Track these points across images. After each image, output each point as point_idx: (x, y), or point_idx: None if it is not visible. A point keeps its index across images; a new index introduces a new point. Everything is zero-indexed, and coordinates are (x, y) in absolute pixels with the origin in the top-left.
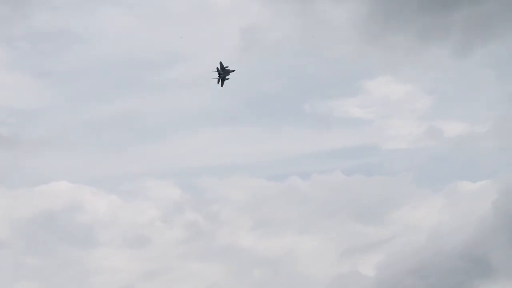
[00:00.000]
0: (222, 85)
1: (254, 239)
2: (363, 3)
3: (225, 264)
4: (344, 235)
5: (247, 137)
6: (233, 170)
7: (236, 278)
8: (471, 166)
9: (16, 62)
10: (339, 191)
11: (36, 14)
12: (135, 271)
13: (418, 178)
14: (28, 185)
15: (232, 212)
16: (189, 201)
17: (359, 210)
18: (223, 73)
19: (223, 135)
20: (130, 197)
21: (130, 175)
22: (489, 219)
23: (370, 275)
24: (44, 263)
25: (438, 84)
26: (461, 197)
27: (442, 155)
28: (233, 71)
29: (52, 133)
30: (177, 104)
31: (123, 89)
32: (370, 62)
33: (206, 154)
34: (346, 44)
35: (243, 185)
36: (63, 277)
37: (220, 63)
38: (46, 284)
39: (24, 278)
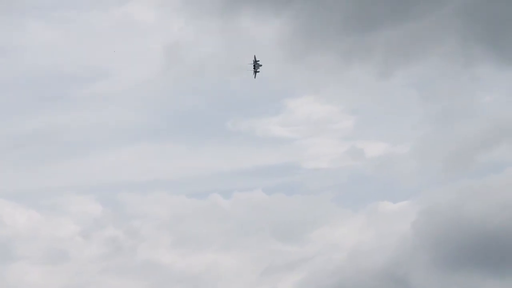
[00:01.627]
0: (255, 77)
1: (174, 256)
2: (287, 22)
3: (145, 280)
4: (265, 254)
5: (169, 153)
6: (154, 186)
7: None
8: (392, 186)
9: None
10: (260, 209)
11: None
12: (54, 286)
13: (339, 197)
14: None
15: (153, 228)
16: (110, 217)
17: (279, 228)
18: (256, 66)
19: (145, 151)
20: (50, 212)
21: (50, 190)
22: (409, 239)
23: None
24: None
25: (360, 104)
26: (381, 217)
27: (363, 175)
28: (261, 65)
29: None
30: (100, 119)
31: (45, 103)
32: (293, 81)
33: (127, 169)
34: (270, 63)
35: (164, 201)
36: None
37: (254, 56)
38: None
39: None
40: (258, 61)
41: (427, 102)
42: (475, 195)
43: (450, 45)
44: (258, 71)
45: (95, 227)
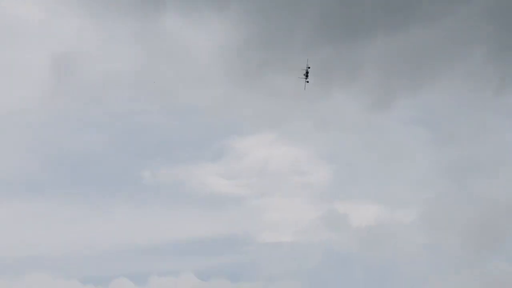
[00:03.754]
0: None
1: None
2: (235, 27)
3: None
4: None
5: (55, 217)
6: (32, 265)
7: None
8: (389, 272)
9: None
10: None
11: None
12: None
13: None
14: None
15: None
16: None
17: None
18: (307, 74)
19: (20, 213)
20: None
21: None
22: None
23: None
24: None
25: (342, 147)
26: None
27: (346, 255)
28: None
29: None
30: None
31: None
32: (242, 111)
33: None
34: (209, 88)
35: None
36: None
37: (307, 60)
38: None
39: None
40: (309, 67)
41: (439, 146)
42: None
43: (472, 60)
44: (308, 81)
45: None
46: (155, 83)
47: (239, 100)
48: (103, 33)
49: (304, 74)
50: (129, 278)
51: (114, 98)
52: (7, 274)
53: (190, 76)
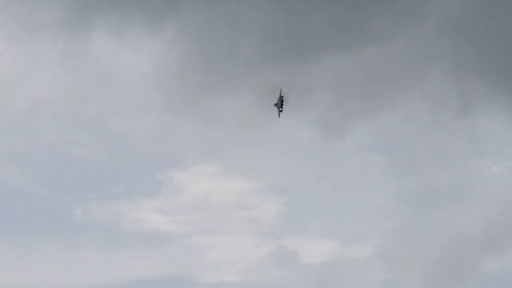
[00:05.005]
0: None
1: None
2: (171, 42)
3: None
4: None
5: None
6: None
7: None
8: None
9: None
10: None
11: None
12: None
13: None
14: None
15: None
16: None
17: None
18: (281, 104)
19: None
20: None
21: None
22: None
23: None
24: None
25: (292, 177)
26: None
27: None
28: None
29: None
30: None
31: None
32: (182, 141)
33: None
34: (144, 115)
35: None
36: None
37: (280, 90)
38: None
39: None
40: (282, 96)
41: (399, 174)
42: None
43: (431, 81)
44: (281, 111)
45: None
46: (82, 112)
47: (178, 128)
48: (25, 57)
49: (276, 103)
50: None
51: (39, 128)
52: None
53: (123, 103)
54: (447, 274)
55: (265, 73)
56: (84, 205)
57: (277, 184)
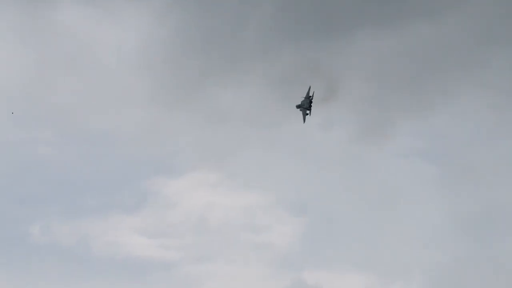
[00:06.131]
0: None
1: None
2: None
3: None
4: None
5: None
6: None
7: None
8: None
9: None
10: None
11: None
12: None
13: None
14: None
15: None
16: None
17: None
18: (309, 104)
19: None
20: None
21: None
22: None
23: None
24: None
25: (315, 192)
26: None
27: None
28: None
29: None
30: None
31: None
32: (172, 143)
33: None
34: (125, 108)
35: None
36: None
37: (309, 88)
38: None
39: None
40: (311, 96)
41: (454, 188)
42: None
43: (496, 66)
44: (309, 114)
45: None
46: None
47: (169, 125)
48: None
49: (301, 104)
50: None
51: None
52: None
53: (99, 92)
54: None
55: (281, 56)
56: (43, 222)
57: (295, 200)
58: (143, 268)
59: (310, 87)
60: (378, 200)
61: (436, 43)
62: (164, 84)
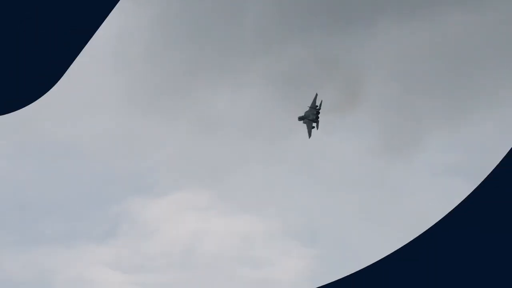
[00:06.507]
0: (309, 136)
1: None
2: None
3: None
4: None
5: None
6: None
7: None
8: None
9: None
10: None
11: None
12: None
13: None
14: None
15: None
16: None
17: None
18: (316, 116)
19: None
20: None
21: None
22: None
23: None
24: None
25: (330, 217)
26: None
27: None
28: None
29: None
30: None
31: None
32: (152, 154)
33: None
34: (96, 110)
35: None
36: None
37: (316, 95)
38: None
39: None
40: (318, 106)
41: None
42: None
43: None
44: (315, 127)
45: None
46: None
47: (147, 134)
48: None
49: (306, 116)
50: None
51: None
52: None
53: (61, 94)
54: None
55: (286, 50)
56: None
57: (303, 227)
58: None
59: (316, 95)
60: (405, 227)
61: (476, 35)
62: (142, 85)
